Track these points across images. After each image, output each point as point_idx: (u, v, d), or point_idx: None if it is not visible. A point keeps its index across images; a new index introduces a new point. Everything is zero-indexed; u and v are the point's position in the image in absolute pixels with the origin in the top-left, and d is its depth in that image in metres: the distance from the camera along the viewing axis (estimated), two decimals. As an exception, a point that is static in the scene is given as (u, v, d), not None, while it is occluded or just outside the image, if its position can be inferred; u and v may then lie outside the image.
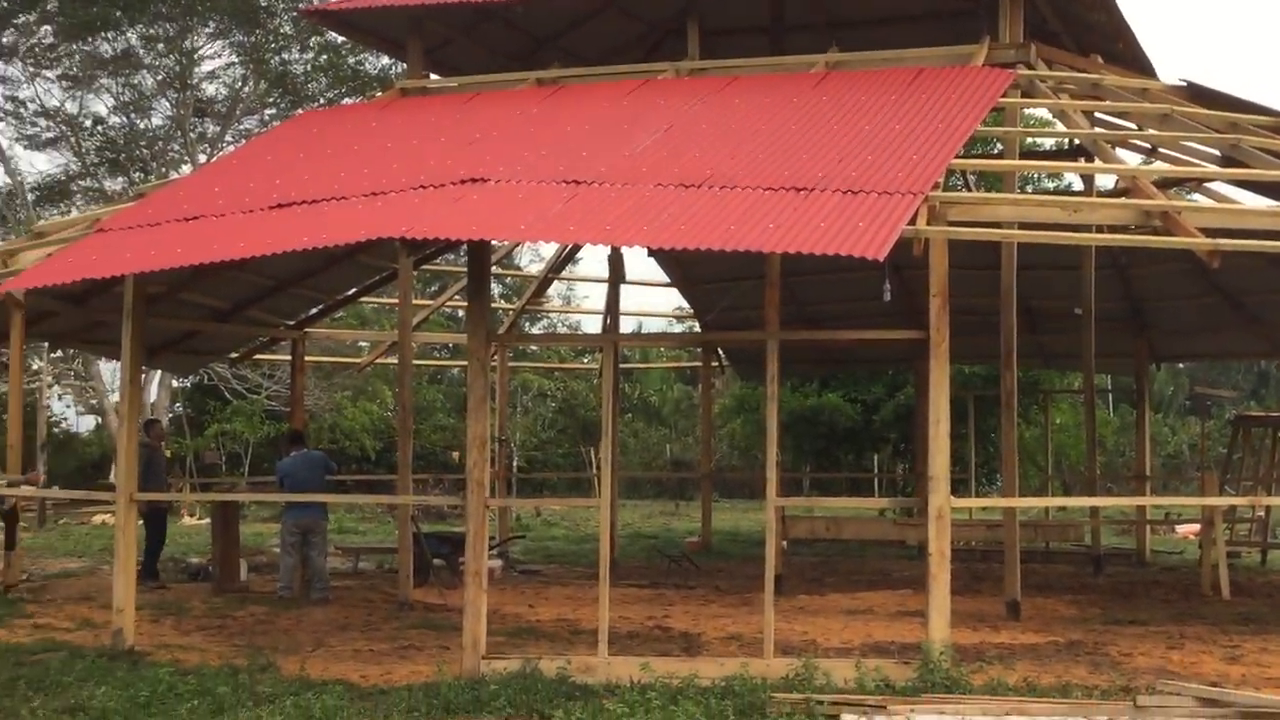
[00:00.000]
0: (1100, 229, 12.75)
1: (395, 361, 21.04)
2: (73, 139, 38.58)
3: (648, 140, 12.98)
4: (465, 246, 12.01)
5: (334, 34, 31.60)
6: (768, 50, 17.85)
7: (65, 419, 46.16)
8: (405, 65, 18.16)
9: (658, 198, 11.28)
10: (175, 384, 38.88)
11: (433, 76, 17.99)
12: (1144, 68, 17.51)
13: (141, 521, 17.18)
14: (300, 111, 32.94)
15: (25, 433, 17.96)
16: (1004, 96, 13.78)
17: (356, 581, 19.11)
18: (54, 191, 38.96)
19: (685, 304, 26.89)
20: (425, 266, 22.68)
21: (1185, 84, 15.72)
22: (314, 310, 20.79)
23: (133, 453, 13.26)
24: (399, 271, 17.96)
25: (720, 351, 26.94)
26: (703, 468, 26.74)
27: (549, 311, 39.58)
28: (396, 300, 19.34)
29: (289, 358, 21.94)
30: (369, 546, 23.00)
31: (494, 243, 14.21)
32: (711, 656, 11.94)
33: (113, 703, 9.99)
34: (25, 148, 39.45)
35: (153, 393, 35.06)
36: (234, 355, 24.04)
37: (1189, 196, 17.66)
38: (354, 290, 21.22)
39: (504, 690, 10.24)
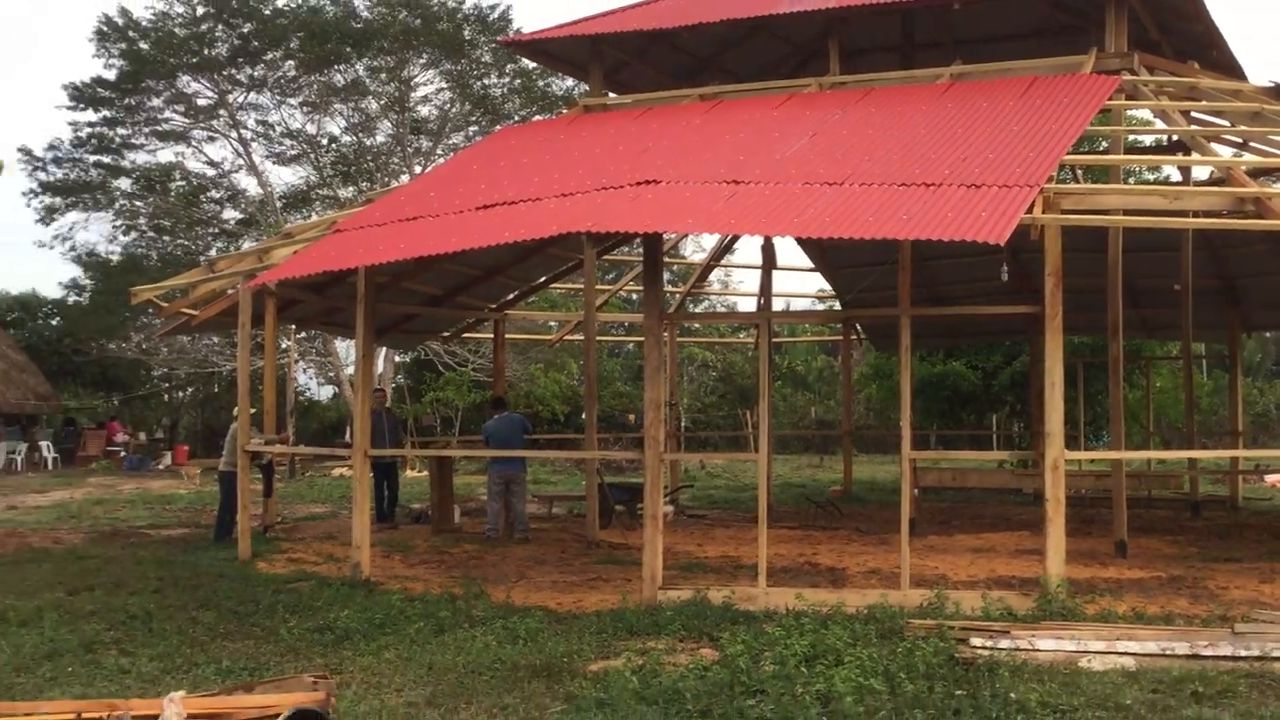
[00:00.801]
0: (1197, 214, 12.36)
1: (581, 338, 21.24)
2: (312, 155, 39.65)
3: (796, 145, 12.87)
4: (641, 238, 12.03)
5: (526, 61, 31.93)
6: (899, 65, 17.57)
7: (309, 389, 47.51)
8: (587, 86, 18.21)
9: (805, 194, 11.19)
10: (398, 358, 39.77)
11: (610, 95, 18.02)
12: (1236, 71, 16.90)
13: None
14: (499, 128, 33.32)
15: (277, 400, 18.46)
16: (1110, 100, 13.39)
17: (551, 524, 19.36)
18: (298, 199, 40.13)
19: (828, 286, 26.52)
20: (606, 257, 22.81)
21: (1273, 85, 15.16)
22: (512, 295, 21.04)
23: (366, 416, 13.57)
24: (584, 261, 18.11)
25: (858, 326, 26.62)
26: (843, 426, 26.50)
27: (710, 294, 39.41)
28: (582, 285, 19.49)
29: (492, 335, 22.22)
30: (561, 495, 23.23)
31: (664, 235, 14.23)
32: (855, 588, 11.86)
33: (354, 623, 10.24)
34: (274, 163, 40.85)
35: (380, 366, 35.84)
36: (446, 334, 24.45)
37: (1277, 185, 17.02)
38: (545, 278, 21.39)
39: (678, 616, 10.30)
